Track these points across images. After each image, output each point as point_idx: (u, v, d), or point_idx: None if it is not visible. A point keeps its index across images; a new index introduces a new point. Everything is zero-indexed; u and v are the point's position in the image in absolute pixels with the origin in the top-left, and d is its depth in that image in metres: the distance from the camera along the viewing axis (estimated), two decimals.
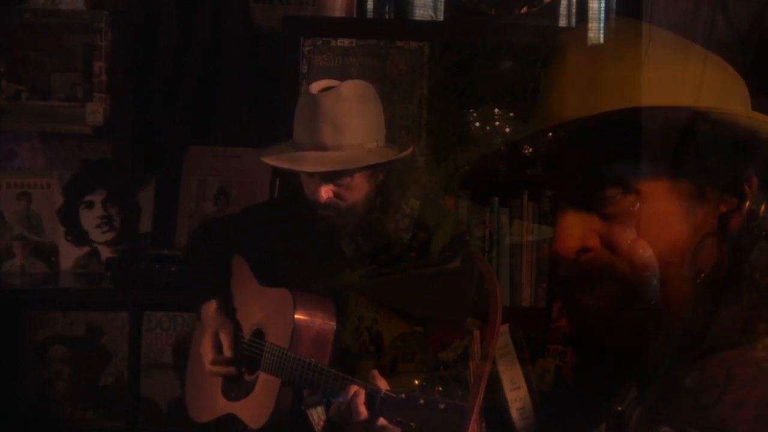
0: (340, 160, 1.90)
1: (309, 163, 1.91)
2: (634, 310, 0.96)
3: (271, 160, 2.00)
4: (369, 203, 1.97)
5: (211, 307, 2.08)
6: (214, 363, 2.05)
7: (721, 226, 0.96)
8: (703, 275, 0.95)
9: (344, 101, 1.92)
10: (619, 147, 0.95)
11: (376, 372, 1.68)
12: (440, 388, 1.47)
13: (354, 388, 1.63)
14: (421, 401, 1.48)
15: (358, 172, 1.93)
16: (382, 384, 1.64)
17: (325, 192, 1.91)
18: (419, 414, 1.49)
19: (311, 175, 1.94)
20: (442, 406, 1.45)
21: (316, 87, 1.97)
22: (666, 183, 0.95)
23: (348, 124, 1.91)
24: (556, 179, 1.01)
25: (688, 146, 0.94)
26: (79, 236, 2.93)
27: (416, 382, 1.52)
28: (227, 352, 2.04)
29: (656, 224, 0.95)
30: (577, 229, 0.96)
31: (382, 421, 1.58)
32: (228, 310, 2.09)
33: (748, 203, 0.96)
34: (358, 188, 1.94)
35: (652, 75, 0.94)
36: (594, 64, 0.97)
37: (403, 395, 1.52)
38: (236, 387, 2.06)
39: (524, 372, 1.89)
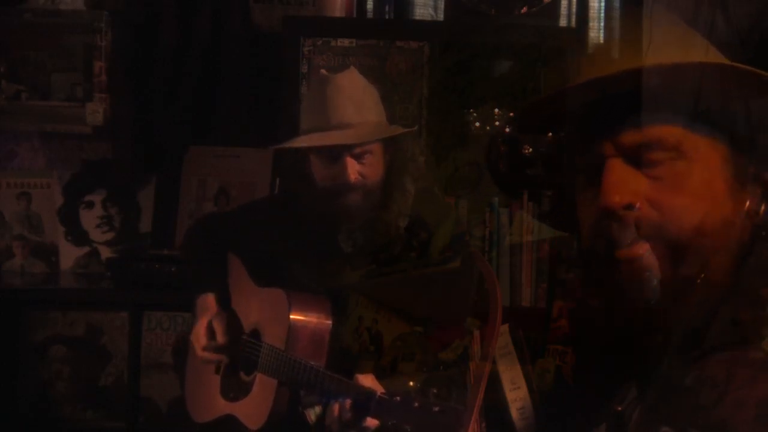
0: (371, 132, 1.94)
1: (342, 138, 1.91)
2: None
3: (301, 142, 1.98)
4: (383, 187, 1.99)
5: (207, 299, 2.08)
6: (205, 349, 2.05)
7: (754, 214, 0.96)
8: (703, 275, 0.95)
9: (357, 80, 1.99)
10: (667, 110, 0.96)
11: (361, 376, 1.67)
12: (435, 391, 1.46)
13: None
14: (416, 404, 1.47)
15: (378, 148, 1.96)
16: (371, 384, 1.63)
17: (353, 171, 1.92)
18: (414, 417, 1.49)
19: (335, 158, 1.92)
20: (436, 408, 1.44)
21: (325, 71, 2.03)
22: (715, 151, 0.96)
23: (366, 101, 1.97)
24: (606, 133, 1.01)
25: (738, 111, 0.95)
26: (79, 236, 2.93)
27: (411, 384, 1.52)
28: (220, 339, 2.04)
29: (705, 193, 0.95)
30: (626, 185, 0.97)
31: (375, 422, 1.58)
32: (224, 303, 2.09)
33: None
34: (378, 166, 1.97)
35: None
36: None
37: (398, 398, 1.52)
38: (234, 387, 2.06)
39: (524, 372, 1.89)
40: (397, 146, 2.03)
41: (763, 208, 0.97)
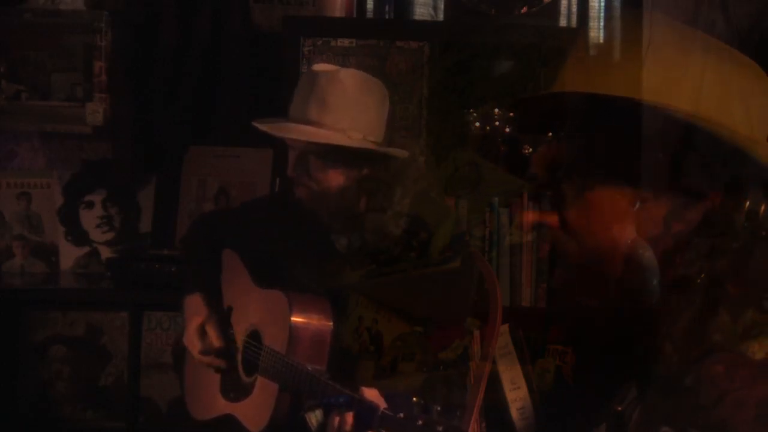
0: (316, 134, 1.92)
1: (289, 131, 1.95)
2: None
3: (260, 124, 2.03)
4: (345, 197, 1.97)
5: (195, 300, 2.08)
6: (203, 353, 2.04)
7: (707, 226, 0.96)
8: (703, 275, 0.95)
9: (339, 84, 1.95)
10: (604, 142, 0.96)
11: (365, 389, 1.67)
12: (439, 408, 1.45)
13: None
14: (419, 422, 1.46)
15: (333, 156, 1.93)
16: (376, 398, 1.62)
17: (300, 168, 1.95)
18: None
19: (292, 149, 1.97)
20: (440, 428, 1.43)
21: (318, 67, 2.03)
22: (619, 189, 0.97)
23: (336, 106, 1.93)
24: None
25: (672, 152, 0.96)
26: (79, 236, 2.93)
27: (414, 399, 1.50)
28: (216, 342, 2.03)
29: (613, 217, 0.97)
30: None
31: None
32: (213, 304, 2.09)
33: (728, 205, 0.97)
34: (332, 176, 1.95)
35: (652, 76, 0.94)
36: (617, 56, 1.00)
37: (401, 415, 1.50)
38: (235, 387, 2.06)
39: (524, 372, 1.88)
40: (379, 166, 1.99)
41: (763, 208, 0.97)
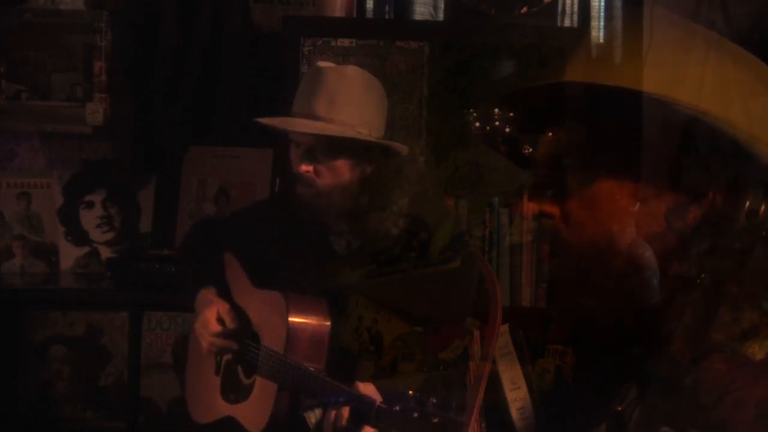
0: (325, 128, 1.92)
1: (296, 125, 1.95)
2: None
3: (264, 120, 2.03)
4: (349, 195, 1.97)
5: (207, 292, 2.08)
6: (216, 336, 2.03)
7: (707, 226, 0.96)
8: (703, 275, 0.95)
9: (346, 79, 1.97)
10: (606, 131, 0.96)
11: (361, 384, 1.67)
12: (434, 401, 1.45)
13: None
14: (415, 414, 1.47)
15: (341, 152, 1.93)
16: (372, 392, 1.63)
17: (306, 164, 1.94)
18: (413, 427, 1.48)
19: (298, 145, 1.96)
20: (435, 420, 1.44)
21: (323, 63, 2.03)
22: (618, 181, 0.96)
23: (344, 101, 1.94)
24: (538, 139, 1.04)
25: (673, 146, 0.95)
26: (79, 236, 2.93)
27: (410, 392, 1.50)
28: (230, 324, 2.02)
29: (611, 210, 0.97)
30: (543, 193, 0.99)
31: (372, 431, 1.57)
32: (226, 297, 2.09)
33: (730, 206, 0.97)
34: (338, 172, 1.95)
35: (654, 71, 0.94)
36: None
37: (398, 407, 1.51)
38: (234, 389, 2.06)
39: (524, 372, 1.88)
40: (380, 163, 2.00)
41: (763, 208, 0.96)
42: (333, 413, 1.61)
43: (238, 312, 2.06)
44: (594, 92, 0.97)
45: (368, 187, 2.00)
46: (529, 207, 1.02)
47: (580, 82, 0.99)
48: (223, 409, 2.08)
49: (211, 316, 2.04)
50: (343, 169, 1.96)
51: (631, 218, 0.96)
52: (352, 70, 2.01)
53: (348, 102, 1.95)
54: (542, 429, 1.83)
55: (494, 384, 1.85)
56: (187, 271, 2.26)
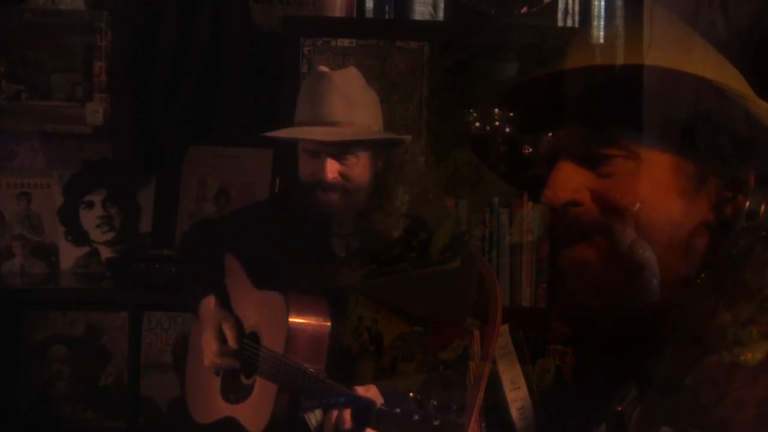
0: (352, 132, 1.93)
1: (322, 134, 1.92)
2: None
3: (280, 133, 2.01)
4: (369, 192, 1.98)
5: (210, 303, 2.08)
6: (219, 355, 2.03)
7: (718, 219, 0.96)
8: (703, 275, 0.95)
9: (352, 81, 1.98)
10: (627, 108, 0.95)
11: (361, 387, 1.66)
12: (435, 403, 1.45)
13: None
14: (416, 417, 1.47)
15: (363, 152, 1.95)
16: (373, 395, 1.63)
17: (332, 170, 1.92)
18: (414, 430, 1.48)
19: (317, 154, 1.94)
20: (436, 422, 1.44)
21: (323, 68, 2.03)
22: (669, 156, 0.96)
23: (360, 102, 1.96)
24: (558, 127, 1.02)
25: (700, 123, 0.95)
26: (79, 236, 2.93)
27: (411, 394, 1.50)
28: (232, 344, 2.03)
29: (654, 194, 0.96)
30: (569, 182, 0.97)
31: None
32: (226, 305, 2.09)
33: (746, 201, 0.96)
34: (363, 170, 1.96)
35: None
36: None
37: (398, 410, 1.51)
38: (235, 389, 2.06)
39: (524, 372, 1.88)
40: (392, 152, 2.02)
41: (763, 208, 0.97)
42: (334, 415, 1.61)
43: (238, 323, 2.07)
44: (594, 76, 0.97)
45: (383, 180, 2.01)
46: (552, 195, 0.98)
47: (581, 66, 0.99)
48: (223, 409, 2.08)
49: (212, 334, 2.04)
50: (365, 168, 1.97)
51: (632, 215, 0.96)
52: (354, 72, 2.02)
53: (361, 103, 1.97)
54: (542, 429, 1.83)
55: (494, 384, 1.85)
56: (186, 271, 2.26)
